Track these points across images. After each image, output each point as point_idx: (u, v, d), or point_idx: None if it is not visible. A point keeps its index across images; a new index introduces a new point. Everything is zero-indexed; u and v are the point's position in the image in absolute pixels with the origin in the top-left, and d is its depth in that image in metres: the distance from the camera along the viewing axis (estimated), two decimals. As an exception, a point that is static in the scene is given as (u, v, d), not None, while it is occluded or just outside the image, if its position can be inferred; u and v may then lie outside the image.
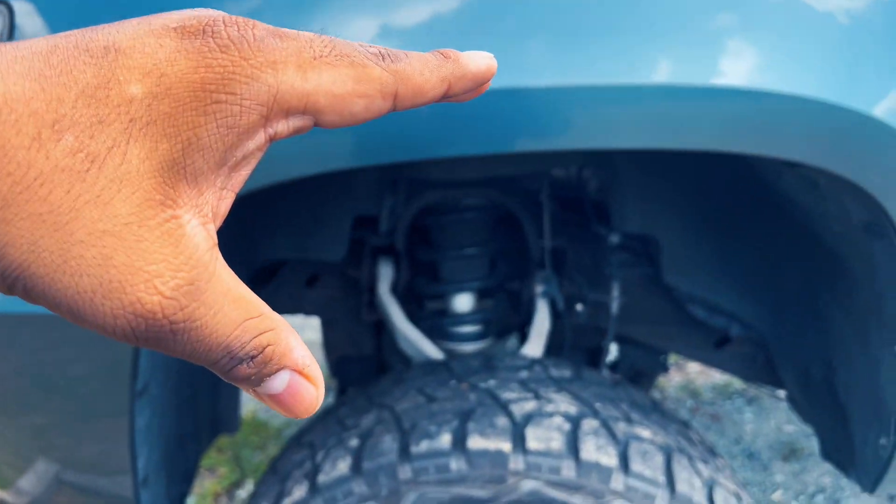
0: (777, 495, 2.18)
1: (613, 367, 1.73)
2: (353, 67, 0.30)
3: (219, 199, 0.29)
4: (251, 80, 0.28)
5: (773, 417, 2.53)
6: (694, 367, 2.84)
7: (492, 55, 0.34)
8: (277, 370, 0.29)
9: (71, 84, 0.25)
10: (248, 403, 2.85)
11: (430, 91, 0.32)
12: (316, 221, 1.33)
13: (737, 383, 2.71)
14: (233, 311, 0.28)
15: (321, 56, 0.29)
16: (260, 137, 0.29)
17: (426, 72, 0.32)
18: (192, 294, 0.27)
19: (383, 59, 0.31)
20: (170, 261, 0.26)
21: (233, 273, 0.29)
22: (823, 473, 2.25)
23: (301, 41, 0.29)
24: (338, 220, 1.34)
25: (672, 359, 2.86)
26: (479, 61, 0.34)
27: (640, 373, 1.75)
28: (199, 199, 0.28)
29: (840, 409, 1.14)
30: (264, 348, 0.28)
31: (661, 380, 2.77)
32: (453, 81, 0.33)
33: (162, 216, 0.26)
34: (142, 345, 0.28)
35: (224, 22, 0.28)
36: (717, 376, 2.77)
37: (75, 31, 0.27)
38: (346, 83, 0.30)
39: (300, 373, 0.29)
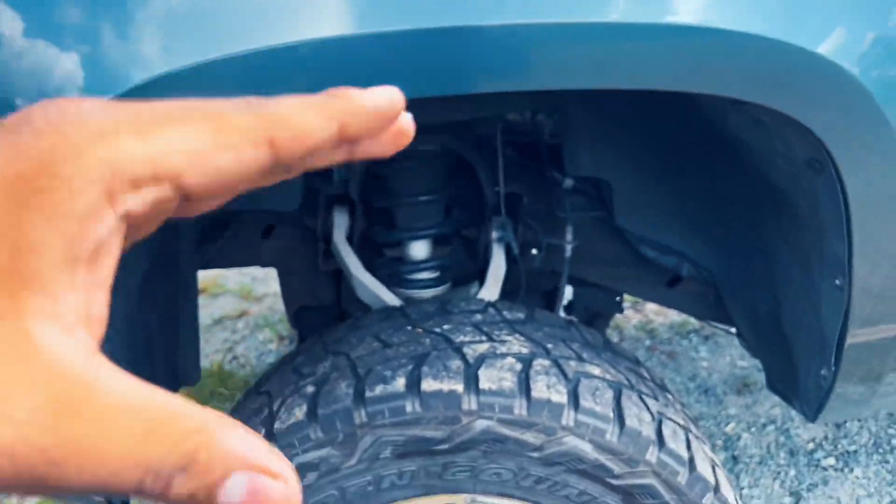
0: (730, 427, 2.26)
1: (569, 308, 1.76)
2: (207, 119, 0.26)
3: (87, 300, 0.25)
4: (77, 157, 0.24)
5: (728, 354, 2.61)
6: (651, 308, 2.90)
7: (396, 89, 0.30)
8: (224, 477, 0.23)
9: None
10: (215, 355, 2.85)
11: (316, 132, 0.28)
12: (268, 171, 1.31)
13: (693, 322, 2.78)
14: (133, 421, 0.23)
15: (165, 113, 0.26)
16: (110, 220, 0.25)
17: (307, 111, 0.28)
18: (61, 414, 0.22)
19: (247, 104, 0.27)
20: (20, 381, 0.22)
21: (129, 377, 0.24)
22: (774, 406, 2.33)
23: (140, 104, 0.26)
24: (290, 170, 1.32)
25: (630, 300, 2.92)
26: (376, 96, 0.30)
27: (595, 314, 1.78)
28: (56, 307, 0.24)
29: (785, 342, 1.18)
30: (195, 455, 0.23)
31: (620, 320, 2.83)
32: (346, 120, 0.29)
33: (3, 333, 0.23)
34: (23, 490, 0.23)
35: (43, 106, 0.25)
36: (674, 316, 2.83)
37: None
38: (201, 136, 0.26)
39: (258, 470, 0.23)
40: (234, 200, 1.07)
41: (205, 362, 2.79)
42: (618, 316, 2.89)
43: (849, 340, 1.02)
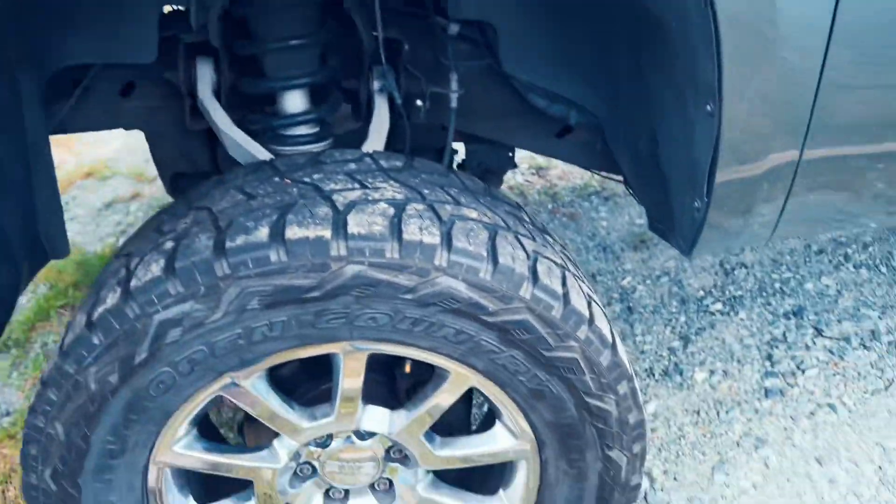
0: (626, 281, 2.34)
1: (462, 166, 1.72)
2: None
3: None
4: None
5: (627, 213, 2.67)
6: (555, 173, 2.91)
7: None
8: None
9: None
10: (108, 238, 2.73)
11: None
12: (115, 17, 1.18)
13: (594, 184, 2.81)
14: None
15: None
16: None
17: None
18: None
19: None
20: None
21: None
22: (668, 259, 2.42)
23: None
24: (140, 15, 1.19)
25: (534, 167, 2.92)
26: None
27: (488, 170, 1.75)
28: None
29: (663, 179, 1.18)
30: None
31: (524, 186, 2.84)
32: None
33: None
34: None
35: None
36: (577, 180, 2.86)
37: None
38: None
39: None
40: (79, 52, 0.93)
41: (97, 246, 2.67)
42: (522, 181, 2.89)
43: (719, 178, 1.02)
